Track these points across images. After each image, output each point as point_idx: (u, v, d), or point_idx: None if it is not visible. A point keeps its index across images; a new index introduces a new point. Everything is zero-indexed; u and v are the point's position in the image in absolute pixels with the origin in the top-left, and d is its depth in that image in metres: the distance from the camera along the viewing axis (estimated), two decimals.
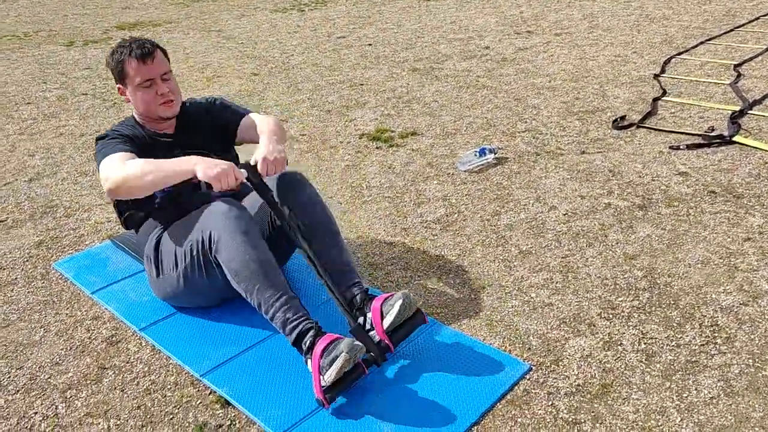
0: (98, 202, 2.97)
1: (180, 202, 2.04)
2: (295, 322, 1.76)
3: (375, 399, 1.72)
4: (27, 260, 2.52)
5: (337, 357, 1.63)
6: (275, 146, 1.95)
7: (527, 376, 1.78)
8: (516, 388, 1.74)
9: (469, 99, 4.09)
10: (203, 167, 1.80)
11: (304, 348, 1.74)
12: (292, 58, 5.40)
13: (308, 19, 7.04)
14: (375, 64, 5.04)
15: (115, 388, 1.83)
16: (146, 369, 1.90)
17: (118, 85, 2.06)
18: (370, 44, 5.72)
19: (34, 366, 1.93)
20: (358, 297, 1.88)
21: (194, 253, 1.91)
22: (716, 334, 1.89)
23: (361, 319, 1.85)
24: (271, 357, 1.90)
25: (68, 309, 2.20)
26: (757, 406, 1.63)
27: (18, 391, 1.84)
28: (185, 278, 1.97)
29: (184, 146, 2.03)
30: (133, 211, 2.09)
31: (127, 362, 1.93)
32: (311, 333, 1.74)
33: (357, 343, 1.67)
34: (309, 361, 1.72)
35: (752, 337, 1.87)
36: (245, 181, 1.88)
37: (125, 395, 1.80)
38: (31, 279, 2.39)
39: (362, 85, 4.54)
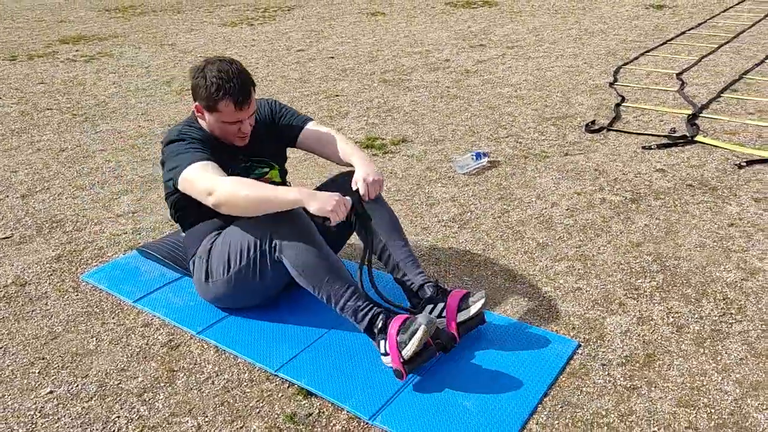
0: (107, 215, 2.94)
1: None
2: (365, 309, 1.88)
3: (449, 379, 1.85)
4: (51, 274, 2.48)
5: (416, 330, 1.74)
6: (372, 168, 2.01)
7: (579, 352, 1.96)
8: (572, 362, 1.92)
9: (445, 108, 4.30)
10: (316, 203, 1.81)
11: (377, 331, 1.85)
12: (258, 71, 5.45)
13: (260, 33, 7.08)
14: (344, 77, 5.18)
15: (191, 388, 1.87)
16: (216, 369, 1.95)
17: (198, 106, 2.01)
18: (332, 57, 5.84)
19: (100, 373, 1.94)
20: (427, 287, 2.01)
21: (251, 254, 1.96)
22: (729, 306, 2.15)
23: (429, 307, 1.98)
24: (337, 349, 1.99)
25: (114, 318, 2.21)
26: None
27: (92, 398, 1.84)
28: (237, 280, 2.03)
29: (249, 155, 2.12)
30: (190, 210, 2.11)
31: (195, 364, 1.97)
32: (382, 316, 1.86)
33: (432, 317, 1.81)
34: (382, 341, 1.83)
35: (759, 306, 2.14)
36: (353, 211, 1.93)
37: (204, 394, 1.84)
38: (63, 292, 2.37)
39: (338, 96, 4.66)
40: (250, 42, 6.64)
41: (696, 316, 2.11)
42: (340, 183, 2.11)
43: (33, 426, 1.75)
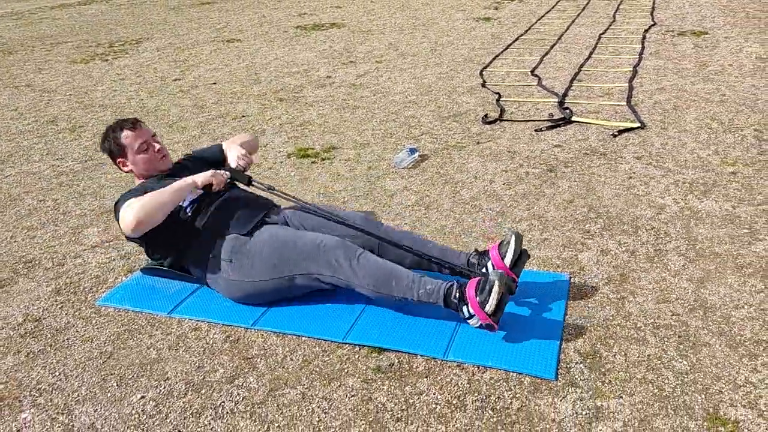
0: (80, 249, 2.92)
1: (210, 204, 2.45)
2: (436, 289, 2.13)
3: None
4: (61, 306, 2.47)
5: (492, 287, 2.03)
6: (237, 147, 2.69)
7: (571, 282, 2.45)
8: (571, 289, 2.41)
9: (352, 118, 4.68)
10: (199, 178, 2.40)
11: (456, 301, 2.11)
12: (145, 102, 5.41)
13: (122, 68, 6.92)
14: (238, 99, 5.34)
15: (275, 367, 2.06)
16: (287, 349, 2.15)
17: (119, 161, 2.55)
18: (214, 83, 5.95)
19: (179, 374, 2.05)
20: (471, 258, 2.33)
21: (299, 283, 2.26)
22: (658, 232, 2.78)
23: (483, 270, 2.30)
24: (385, 312, 2.28)
25: (158, 330, 2.29)
26: (710, 263, 2.53)
27: (186, 393, 1.96)
28: (278, 289, 2.30)
29: (178, 176, 2.47)
30: (176, 243, 2.45)
31: (265, 349, 2.15)
32: (455, 287, 2.13)
33: (501, 272, 2.09)
34: (464, 307, 2.09)
35: (677, 229, 2.80)
36: (230, 178, 2.55)
37: (290, 369, 2.05)
38: (87, 319, 2.38)
39: (244, 117, 4.84)
40: (117, 76, 6.48)
41: (639, 243, 2.71)
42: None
43: (144, 425, 1.84)
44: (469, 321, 2.14)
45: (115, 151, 2.54)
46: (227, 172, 2.54)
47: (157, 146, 2.56)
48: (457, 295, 2.12)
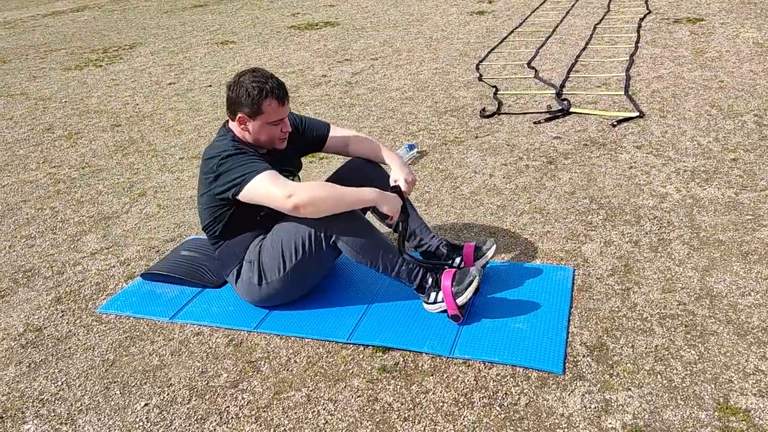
0: (80, 256, 2.90)
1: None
2: (416, 269, 2.18)
3: (491, 313, 2.21)
4: (62, 315, 2.45)
5: (471, 281, 2.09)
6: (408, 168, 2.36)
7: (576, 274, 2.43)
8: (576, 282, 2.38)
9: (349, 115, 4.65)
10: (387, 205, 2.15)
11: (427, 285, 2.17)
12: (141, 107, 5.38)
13: (116, 73, 6.89)
14: None
15: (279, 370, 2.04)
16: (291, 351, 2.13)
17: (241, 116, 2.14)
18: (210, 85, 5.92)
19: (183, 380, 2.03)
20: (442, 247, 2.39)
21: (307, 247, 2.15)
22: (661, 222, 2.76)
23: (450, 262, 2.35)
24: (387, 311, 2.27)
25: (159, 336, 2.27)
26: (714, 251, 2.50)
27: (190, 399, 1.94)
28: (293, 274, 2.20)
29: (280, 165, 2.22)
30: (237, 222, 2.24)
31: (269, 352, 2.13)
32: (430, 273, 2.19)
33: (480, 269, 2.19)
34: (434, 293, 2.15)
35: (680, 218, 2.78)
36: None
37: (294, 372, 2.03)
38: (88, 327, 2.36)
39: None
40: (112, 82, 6.45)
41: (642, 233, 2.68)
42: (361, 169, 2.40)
43: None
44: (427, 305, 2.19)
45: (247, 108, 2.12)
46: (400, 202, 2.20)
47: (288, 127, 2.24)
48: (431, 281, 2.18)
